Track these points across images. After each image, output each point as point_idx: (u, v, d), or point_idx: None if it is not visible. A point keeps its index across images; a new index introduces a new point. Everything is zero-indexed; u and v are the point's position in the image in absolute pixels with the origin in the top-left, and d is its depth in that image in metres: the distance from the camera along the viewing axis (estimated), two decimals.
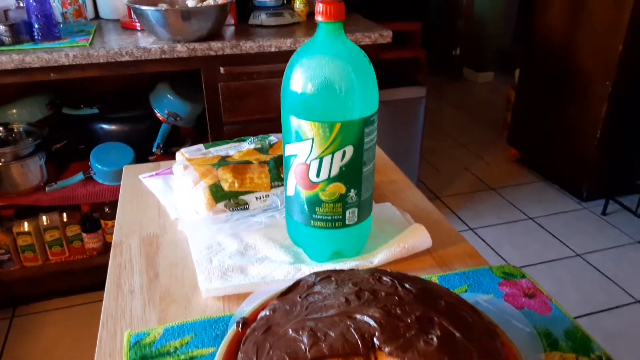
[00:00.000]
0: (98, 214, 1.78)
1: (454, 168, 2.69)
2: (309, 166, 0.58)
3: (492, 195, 2.44)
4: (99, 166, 1.62)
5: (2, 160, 1.53)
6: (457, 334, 0.43)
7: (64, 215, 1.76)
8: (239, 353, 0.45)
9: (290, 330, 0.45)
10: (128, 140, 1.69)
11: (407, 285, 0.49)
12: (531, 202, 2.37)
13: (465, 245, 0.69)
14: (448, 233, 0.71)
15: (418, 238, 0.66)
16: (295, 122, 0.56)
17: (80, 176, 1.65)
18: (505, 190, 2.47)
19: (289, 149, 0.59)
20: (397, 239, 0.66)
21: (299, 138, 0.57)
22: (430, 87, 2.15)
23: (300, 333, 0.45)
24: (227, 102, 1.57)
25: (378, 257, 0.65)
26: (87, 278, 1.79)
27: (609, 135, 2.14)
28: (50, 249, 1.78)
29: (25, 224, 1.71)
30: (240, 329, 0.48)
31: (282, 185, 0.75)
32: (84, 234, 1.77)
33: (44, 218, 1.74)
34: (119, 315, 0.57)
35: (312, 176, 0.58)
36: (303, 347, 0.43)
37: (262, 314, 0.49)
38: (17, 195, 1.60)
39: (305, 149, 0.57)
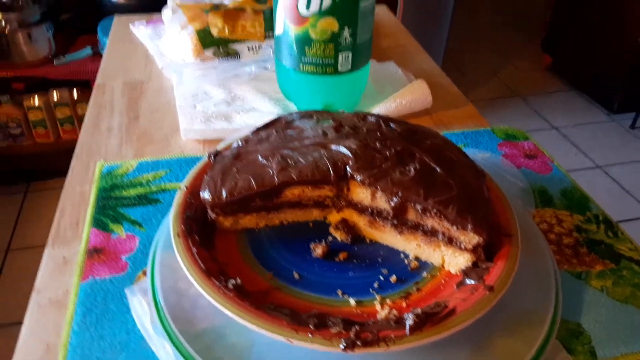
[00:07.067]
0: None
1: (481, 72, 2.55)
2: None
3: (517, 103, 2.33)
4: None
5: (8, 27, 1.48)
6: (438, 169, 0.39)
7: (74, 92, 1.73)
8: (205, 176, 0.42)
9: (259, 157, 0.42)
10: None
11: (392, 125, 0.45)
12: (558, 111, 2.25)
13: (469, 108, 0.63)
14: (453, 96, 0.65)
15: (418, 94, 0.61)
16: None
17: (87, 50, 1.60)
18: (533, 98, 2.35)
19: None
20: (395, 95, 0.61)
21: None
22: None
23: (270, 159, 0.41)
24: None
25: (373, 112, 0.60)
26: None
27: None
28: (61, 127, 1.78)
29: (36, 98, 1.69)
30: (211, 160, 0.45)
31: None
32: None
33: (54, 93, 1.72)
34: (94, 149, 0.55)
35: (302, 7, 0.52)
36: (271, 171, 0.40)
37: (234, 144, 0.46)
38: (26, 66, 1.58)
39: None
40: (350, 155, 0.40)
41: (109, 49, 0.74)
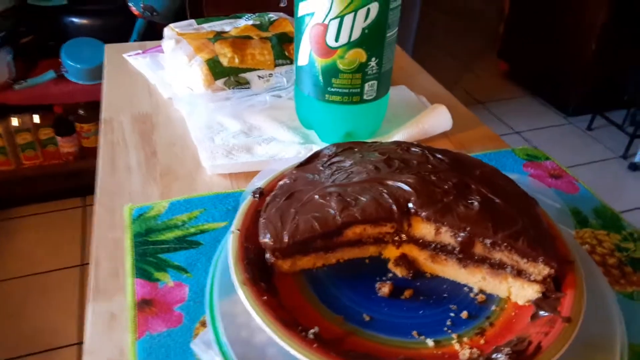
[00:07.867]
0: (72, 117, 1.68)
1: (441, 80, 2.61)
2: (327, 27, 0.51)
3: (478, 109, 2.40)
4: (71, 63, 1.50)
5: None
6: (497, 200, 0.40)
7: (36, 117, 1.65)
8: (261, 219, 0.41)
9: (316, 196, 0.41)
10: (100, 37, 1.55)
11: (438, 155, 0.45)
12: (518, 116, 2.34)
13: (484, 129, 0.65)
14: (465, 117, 0.67)
15: (438, 118, 0.61)
16: None
17: (51, 74, 1.53)
18: (493, 104, 2.44)
19: (303, 7, 0.52)
20: (416, 120, 0.61)
21: None
22: None
23: (328, 199, 0.41)
24: None
25: (394, 138, 0.60)
26: (64, 183, 1.73)
27: (604, 46, 2.09)
28: (23, 152, 1.69)
29: None
30: (257, 198, 0.44)
31: (287, 63, 0.69)
32: (58, 138, 1.68)
33: (14, 119, 1.63)
34: (117, 191, 0.52)
35: (330, 40, 0.52)
36: (332, 212, 0.40)
37: (282, 182, 0.45)
38: None
39: (323, 6, 0.50)
40: (410, 190, 0.40)
41: (107, 81, 0.71)
